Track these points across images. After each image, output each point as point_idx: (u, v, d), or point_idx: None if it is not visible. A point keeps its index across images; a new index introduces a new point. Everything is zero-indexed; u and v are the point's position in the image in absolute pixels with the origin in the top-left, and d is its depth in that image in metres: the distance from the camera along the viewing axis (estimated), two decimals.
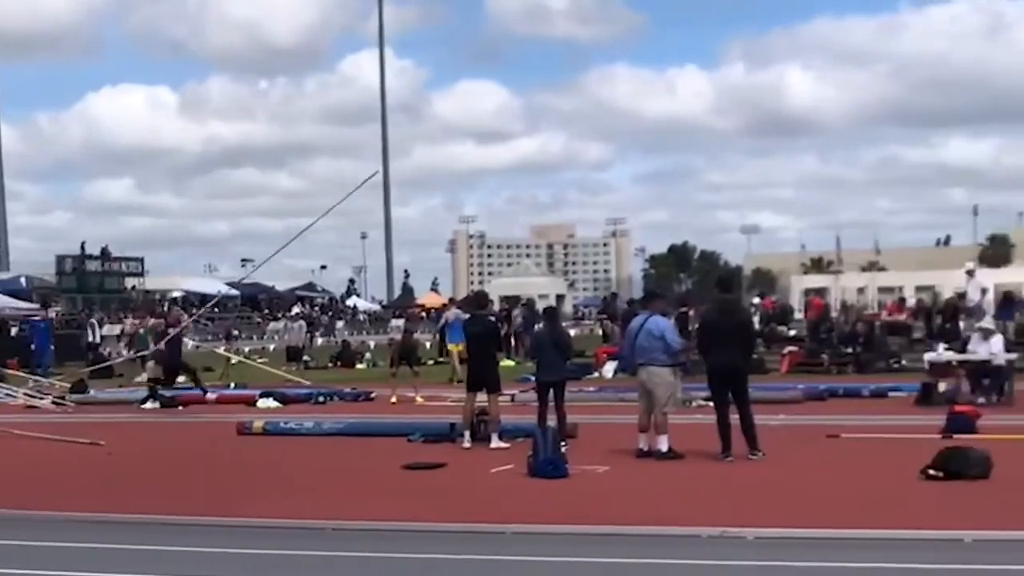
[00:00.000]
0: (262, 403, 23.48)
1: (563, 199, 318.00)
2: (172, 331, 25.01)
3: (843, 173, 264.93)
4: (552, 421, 15.63)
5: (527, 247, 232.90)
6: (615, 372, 28.20)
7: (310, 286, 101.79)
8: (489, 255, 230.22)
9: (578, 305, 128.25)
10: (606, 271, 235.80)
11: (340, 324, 75.93)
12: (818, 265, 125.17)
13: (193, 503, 12.14)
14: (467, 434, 16.21)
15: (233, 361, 33.57)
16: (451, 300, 37.96)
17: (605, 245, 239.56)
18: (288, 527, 10.69)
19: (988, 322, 22.71)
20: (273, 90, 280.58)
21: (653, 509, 11.14)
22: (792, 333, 33.89)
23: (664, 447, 14.37)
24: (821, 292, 60.59)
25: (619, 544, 9.65)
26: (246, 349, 45.92)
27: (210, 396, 24.76)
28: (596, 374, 29.09)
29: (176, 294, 77.49)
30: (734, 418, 14.27)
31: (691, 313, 30.84)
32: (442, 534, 10.27)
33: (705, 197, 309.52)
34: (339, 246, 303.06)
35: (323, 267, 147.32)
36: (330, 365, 37.39)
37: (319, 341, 58.08)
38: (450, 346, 29.19)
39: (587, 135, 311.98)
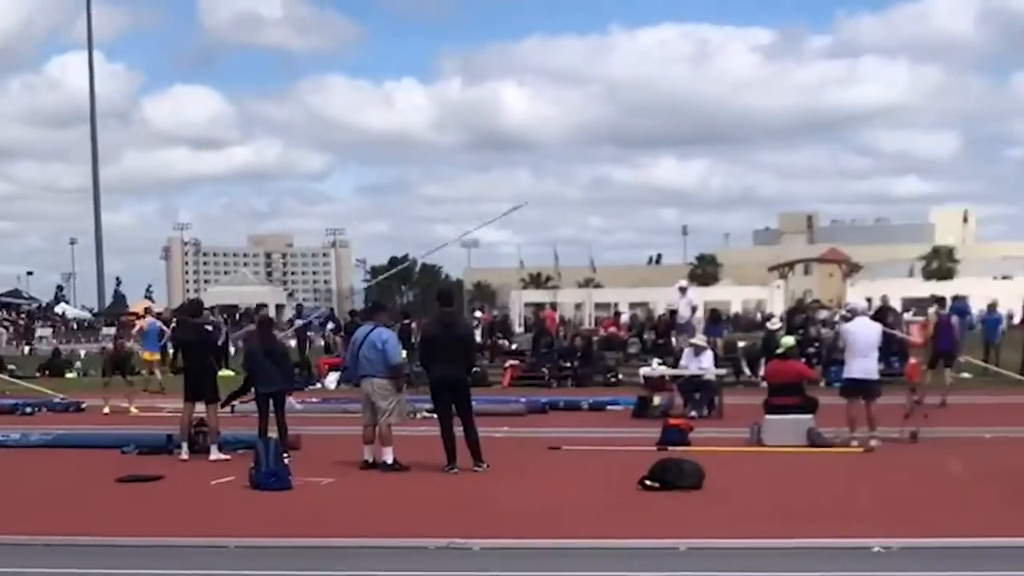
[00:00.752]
0: None
1: (281, 208, 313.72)
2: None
3: (559, 190, 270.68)
4: (273, 432, 15.37)
5: (244, 255, 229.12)
6: (338, 383, 28.07)
7: (15, 292, 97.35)
8: (205, 263, 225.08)
9: None
10: (326, 281, 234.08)
11: (48, 332, 72.68)
12: (537, 280, 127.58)
13: None
14: (185, 446, 15.77)
15: None
16: (147, 310, 36.47)
17: (325, 255, 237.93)
18: None
19: (699, 338, 23.59)
20: None
21: (379, 521, 11.07)
22: (514, 347, 34.38)
23: (389, 459, 14.33)
24: (545, 306, 61.88)
25: (344, 557, 9.56)
26: None
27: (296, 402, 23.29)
28: (319, 385, 28.88)
29: None
30: (458, 430, 14.35)
31: (413, 325, 30.99)
32: (161, 548, 9.91)
33: (424, 210, 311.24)
34: (46, 252, 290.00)
35: (29, 273, 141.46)
36: (38, 374, 35.72)
37: (25, 349, 55.77)
38: (144, 355, 28.32)
39: (304, 144, 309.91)
